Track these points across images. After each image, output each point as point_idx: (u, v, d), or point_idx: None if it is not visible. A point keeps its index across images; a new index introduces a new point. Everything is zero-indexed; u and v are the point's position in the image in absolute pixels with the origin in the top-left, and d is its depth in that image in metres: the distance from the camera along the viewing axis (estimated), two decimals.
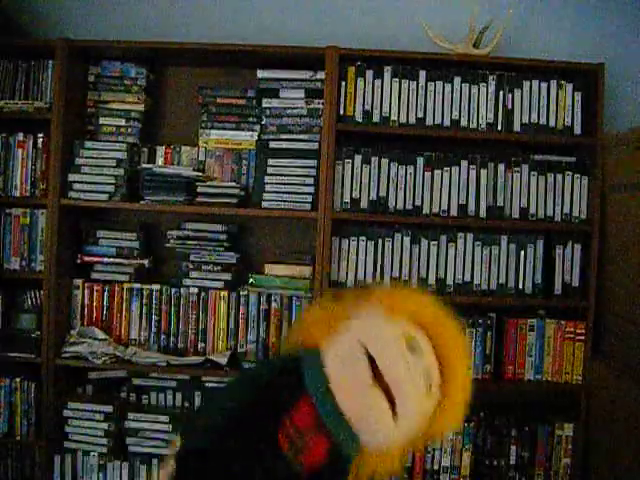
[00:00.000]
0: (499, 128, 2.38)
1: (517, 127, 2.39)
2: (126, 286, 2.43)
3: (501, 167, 2.40)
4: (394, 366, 0.91)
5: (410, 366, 0.91)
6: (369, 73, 2.38)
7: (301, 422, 0.98)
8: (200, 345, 2.41)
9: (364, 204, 2.38)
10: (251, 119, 2.47)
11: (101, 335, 2.37)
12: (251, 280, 2.44)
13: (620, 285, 2.28)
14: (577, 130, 2.40)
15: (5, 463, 2.39)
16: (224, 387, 1.11)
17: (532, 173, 2.41)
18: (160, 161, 2.48)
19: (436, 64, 2.37)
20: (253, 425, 0.97)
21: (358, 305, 1.02)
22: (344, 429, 0.96)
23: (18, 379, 2.36)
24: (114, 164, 2.37)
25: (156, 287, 2.42)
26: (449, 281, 2.39)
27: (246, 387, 1.01)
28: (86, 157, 2.37)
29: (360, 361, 0.91)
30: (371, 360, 0.91)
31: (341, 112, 2.36)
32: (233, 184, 2.40)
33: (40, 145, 2.39)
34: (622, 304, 2.26)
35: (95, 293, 2.42)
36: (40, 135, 2.39)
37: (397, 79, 2.38)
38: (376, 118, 2.37)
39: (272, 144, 2.42)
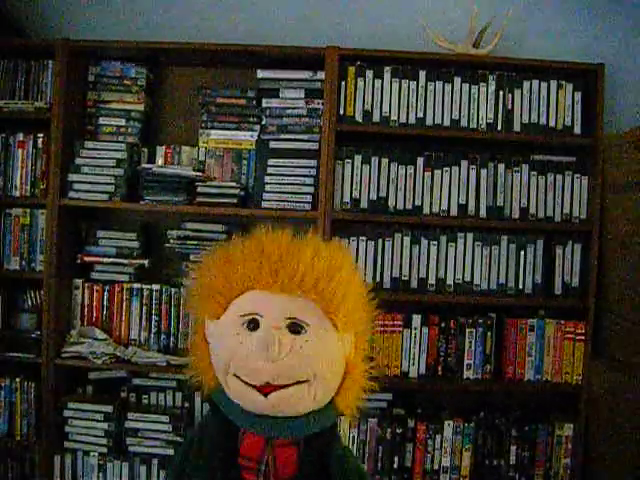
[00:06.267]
0: (499, 128, 2.38)
1: (517, 127, 2.39)
2: (126, 286, 2.42)
3: (501, 167, 2.41)
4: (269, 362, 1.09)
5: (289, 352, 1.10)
6: (369, 73, 2.38)
7: (250, 450, 1.13)
8: None
9: (364, 204, 2.38)
10: (251, 119, 2.47)
11: (101, 335, 2.38)
12: None
13: (620, 285, 2.28)
14: (577, 130, 2.40)
15: (5, 463, 2.39)
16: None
17: (532, 173, 2.41)
18: (160, 161, 2.48)
19: (436, 64, 2.37)
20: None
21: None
22: (272, 423, 1.11)
23: (18, 379, 2.36)
24: (114, 164, 2.37)
25: (156, 287, 2.42)
26: (449, 281, 2.39)
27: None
28: (86, 157, 2.37)
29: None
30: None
31: (341, 112, 2.36)
32: (233, 184, 2.40)
33: (40, 145, 2.39)
34: (622, 304, 2.26)
35: (95, 293, 2.42)
36: (40, 135, 2.38)
37: (397, 79, 2.38)
38: (376, 118, 2.37)
39: (272, 144, 2.42)
